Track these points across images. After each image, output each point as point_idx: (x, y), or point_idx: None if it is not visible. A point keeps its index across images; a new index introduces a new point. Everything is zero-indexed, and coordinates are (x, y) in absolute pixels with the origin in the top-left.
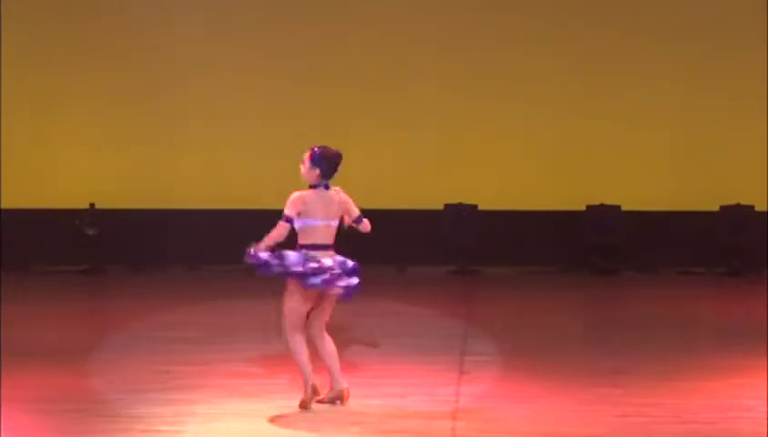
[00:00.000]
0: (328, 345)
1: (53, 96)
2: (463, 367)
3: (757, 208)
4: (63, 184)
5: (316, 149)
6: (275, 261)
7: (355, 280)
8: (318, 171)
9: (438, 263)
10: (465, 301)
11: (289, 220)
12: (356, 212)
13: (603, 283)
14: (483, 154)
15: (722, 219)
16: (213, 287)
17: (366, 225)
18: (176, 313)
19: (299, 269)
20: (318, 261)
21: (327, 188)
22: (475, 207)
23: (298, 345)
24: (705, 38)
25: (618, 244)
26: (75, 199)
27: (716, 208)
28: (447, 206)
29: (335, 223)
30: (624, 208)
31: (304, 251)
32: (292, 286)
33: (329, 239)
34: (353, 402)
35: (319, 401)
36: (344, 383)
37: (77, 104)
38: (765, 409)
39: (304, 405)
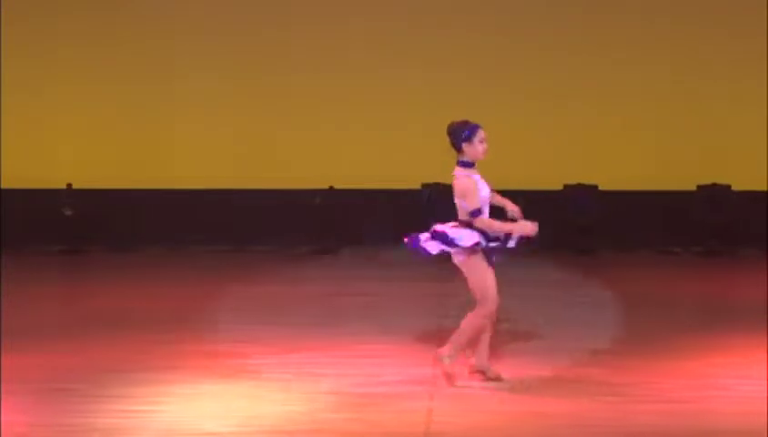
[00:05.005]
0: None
1: (30, 78)
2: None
3: (734, 188)
4: (40, 164)
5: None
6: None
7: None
8: None
9: None
10: (441, 280)
11: None
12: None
13: (581, 263)
14: None
15: (699, 199)
16: (192, 267)
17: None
18: (155, 294)
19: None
20: None
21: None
22: (451, 187)
23: None
24: (685, 17)
25: (595, 224)
26: (52, 180)
27: (693, 188)
28: (424, 185)
29: None
30: (601, 187)
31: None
32: None
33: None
34: (328, 382)
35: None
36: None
37: (55, 85)
38: (742, 388)
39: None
